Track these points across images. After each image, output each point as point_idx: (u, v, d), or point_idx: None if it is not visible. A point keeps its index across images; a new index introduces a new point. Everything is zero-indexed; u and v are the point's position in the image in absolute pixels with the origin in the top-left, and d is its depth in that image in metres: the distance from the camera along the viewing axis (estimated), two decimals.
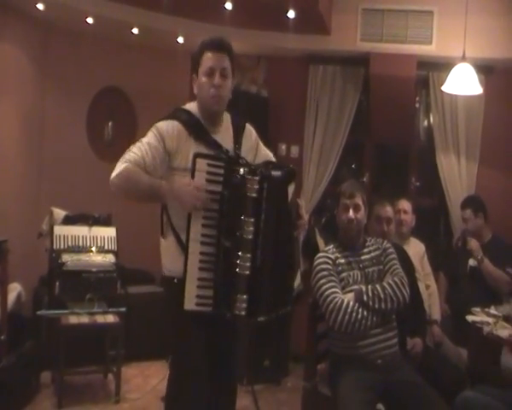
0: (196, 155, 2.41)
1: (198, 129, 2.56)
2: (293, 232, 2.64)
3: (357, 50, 5.09)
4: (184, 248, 2.44)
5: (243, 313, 2.41)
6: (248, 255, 2.41)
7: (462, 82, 4.15)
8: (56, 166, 5.22)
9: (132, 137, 5.45)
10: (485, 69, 4.85)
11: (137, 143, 2.52)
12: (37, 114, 5.17)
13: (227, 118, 2.70)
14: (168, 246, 2.58)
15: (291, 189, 2.65)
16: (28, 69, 5.06)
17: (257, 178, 2.41)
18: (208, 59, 2.56)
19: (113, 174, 2.45)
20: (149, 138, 2.52)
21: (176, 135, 2.52)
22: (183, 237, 2.46)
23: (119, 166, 2.45)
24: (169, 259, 2.59)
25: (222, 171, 2.42)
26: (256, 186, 2.40)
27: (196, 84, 2.61)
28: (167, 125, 2.53)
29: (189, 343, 2.51)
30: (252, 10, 4.70)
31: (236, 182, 2.41)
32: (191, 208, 2.40)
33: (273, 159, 2.84)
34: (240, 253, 2.40)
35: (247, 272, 2.41)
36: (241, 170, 2.42)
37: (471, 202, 4.37)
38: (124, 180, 2.44)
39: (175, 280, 2.50)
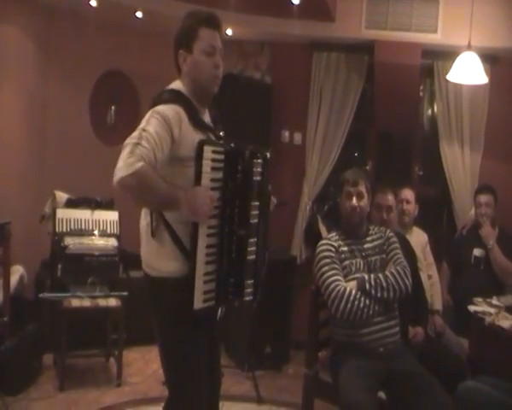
0: (203, 143, 2.24)
1: (194, 112, 2.35)
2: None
3: (361, 38, 5.06)
4: (181, 244, 2.30)
5: (250, 297, 2.39)
6: (255, 240, 2.38)
7: (468, 71, 4.12)
8: (59, 149, 5.20)
9: (135, 122, 5.45)
10: (491, 58, 4.81)
11: (143, 134, 2.14)
12: (39, 98, 5.15)
13: None
14: (161, 247, 2.34)
15: None
16: (31, 52, 5.03)
17: (260, 160, 2.36)
18: (208, 36, 2.36)
19: (125, 172, 2.06)
20: (155, 127, 2.18)
21: (181, 121, 2.26)
22: (180, 232, 2.30)
23: (131, 164, 2.06)
24: (164, 261, 2.34)
25: (222, 156, 2.29)
26: (260, 169, 2.36)
27: (188, 61, 2.38)
28: (171, 111, 2.25)
29: (194, 346, 2.37)
30: None
31: (243, 167, 2.31)
32: (202, 221, 2.25)
33: None
34: (250, 238, 2.35)
35: (254, 257, 2.38)
36: (247, 153, 2.32)
37: (492, 190, 4.31)
38: (138, 182, 2.08)
39: (171, 281, 2.32)
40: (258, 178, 2.36)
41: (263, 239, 2.45)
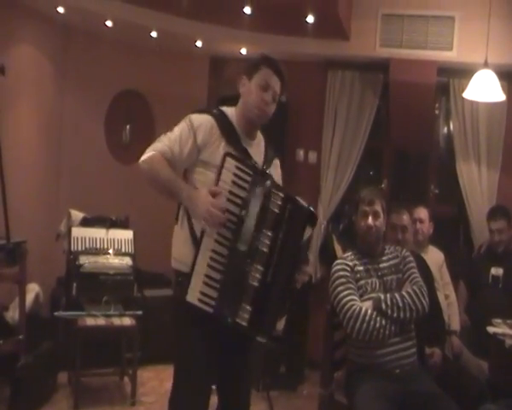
0: (227, 154, 2.41)
1: (231, 132, 2.55)
2: (295, 275, 2.53)
3: (376, 56, 5.06)
4: (196, 239, 2.42)
5: (244, 323, 2.39)
6: (261, 268, 2.41)
7: (484, 89, 4.10)
8: (75, 168, 5.25)
9: (150, 140, 5.51)
10: (508, 75, 4.77)
11: (168, 133, 2.53)
12: (55, 116, 5.21)
13: (260, 138, 2.70)
14: (180, 233, 2.54)
15: (308, 231, 2.56)
16: (48, 72, 5.10)
17: (282, 194, 2.44)
18: (268, 74, 2.57)
19: (142, 158, 2.50)
20: (181, 129, 2.52)
21: (208, 129, 2.50)
22: (197, 229, 2.42)
23: (147, 152, 2.49)
24: (178, 246, 2.55)
25: (248, 178, 2.41)
26: (279, 202, 2.43)
27: (245, 87, 2.60)
28: (201, 118, 2.53)
29: (191, 340, 2.47)
30: (270, 15, 4.69)
31: (262, 192, 2.41)
32: (201, 222, 2.36)
33: None
34: (254, 263, 2.40)
35: (256, 284, 2.40)
36: (268, 182, 2.43)
37: (503, 213, 4.28)
38: (147, 168, 2.48)
39: (181, 274, 2.47)
40: (276, 210, 2.43)
41: (280, 281, 2.45)
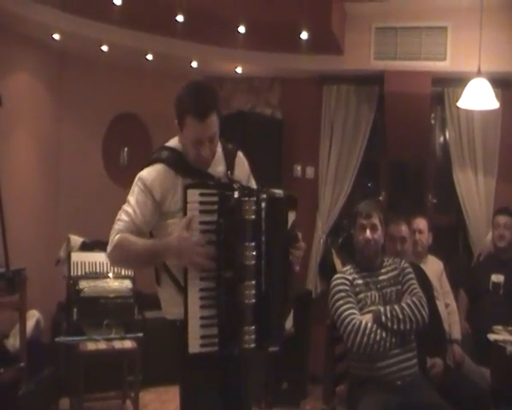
0: (187, 187, 2.24)
1: (184, 165, 2.38)
2: (291, 262, 2.41)
3: (370, 69, 5.08)
4: (181, 286, 2.29)
5: (252, 345, 2.27)
6: (253, 282, 2.26)
7: (478, 97, 4.10)
8: (73, 192, 5.25)
9: None
10: (502, 83, 4.79)
11: (125, 207, 2.34)
12: (53, 142, 5.23)
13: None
14: (165, 291, 2.42)
15: (292, 216, 2.41)
16: (44, 98, 5.12)
17: (253, 198, 2.27)
18: (195, 128, 2.31)
19: (108, 249, 2.32)
20: (136, 195, 2.33)
21: (162, 179, 2.34)
22: (180, 277, 2.30)
23: (111, 241, 2.30)
24: (170, 304, 2.41)
25: (216, 198, 2.24)
26: (253, 207, 2.26)
27: (180, 135, 2.40)
28: (151, 173, 2.35)
29: (200, 391, 2.36)
30: (265, 33, 4.72)
31: (232, 206, 2.24)
32: (191, 265, 2.23)
33: None
34: (245, 281, 2.25)
35: (253, 301, 2.27)
36: (236, 193, 2.26)
37: (510, 212, 4.31)
38: (119, 253, 2.31)
39: (177, 323, 2.32)
40: (252, 217, 2.26)
41: (275, 282, 2.35)
